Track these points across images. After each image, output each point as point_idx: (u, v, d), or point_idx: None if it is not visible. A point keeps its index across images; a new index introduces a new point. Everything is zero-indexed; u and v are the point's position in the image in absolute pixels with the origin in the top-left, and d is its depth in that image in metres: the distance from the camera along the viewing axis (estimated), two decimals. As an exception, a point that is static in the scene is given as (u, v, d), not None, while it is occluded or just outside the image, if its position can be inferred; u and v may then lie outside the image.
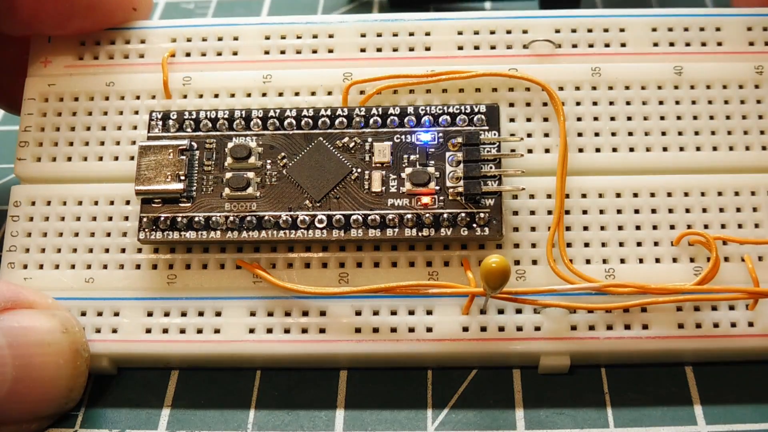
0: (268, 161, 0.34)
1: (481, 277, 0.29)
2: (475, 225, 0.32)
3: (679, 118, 0.35)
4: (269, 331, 0.33)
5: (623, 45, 0.36)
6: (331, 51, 0.37)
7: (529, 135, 0.35)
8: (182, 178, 0.33)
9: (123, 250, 0.34)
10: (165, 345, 0.33)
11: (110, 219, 0.35)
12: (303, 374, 0.34)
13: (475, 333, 0.32)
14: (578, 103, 0.35)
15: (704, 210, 0.34)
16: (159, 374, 0.34)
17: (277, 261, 0.34)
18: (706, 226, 0.34)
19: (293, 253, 0.34)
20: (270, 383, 0.34)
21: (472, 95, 0.36)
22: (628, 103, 0.35)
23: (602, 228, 0.34)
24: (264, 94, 0.36)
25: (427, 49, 0.36)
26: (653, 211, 0.34)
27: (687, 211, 0.34)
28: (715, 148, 0.35)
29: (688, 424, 0.32)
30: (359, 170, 0.33)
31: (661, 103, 0.35)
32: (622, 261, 0.33)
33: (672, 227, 0.34)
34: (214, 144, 0.34)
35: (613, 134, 0.35)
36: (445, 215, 0.32)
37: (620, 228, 0.34)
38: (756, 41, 0.36)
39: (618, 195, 0.34)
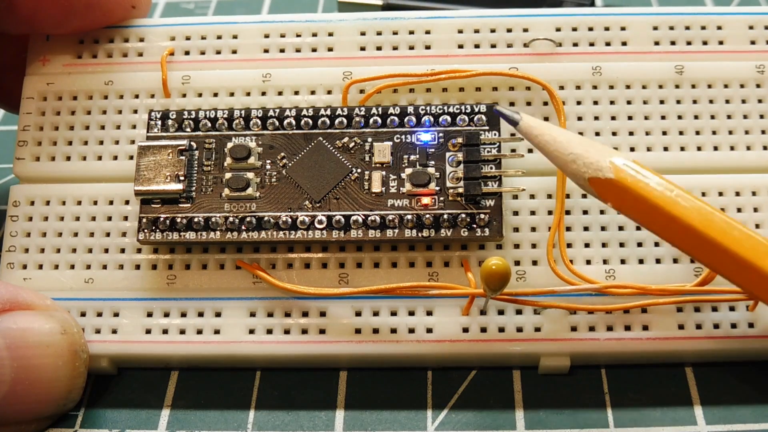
0: (268, 161, 0.34)
1: (481, 279, 0.29)
2: (475, 226, 0.32)
3: (680, 117, 0.35)
4: (269, 331, 0.33)
5: (624, 44, 0.36)
6: (330, 49, 0.37)
7: (529, 134, 0.35)
8: (181, 178, 0.33)
9: (122, 251, 0.34)
10: (165, 346, 0.33)
11: (109, 219, 0.35)
12: (303, 374, 0.34)
13: (475, 334, 0.32)
14: (579, 103, 0.35)
15: (705, 210, 0.34)
16: (159, 374, 0.34)
17: (276, 261, 0.34)
18: (706, 227, 0.34)
19: (293, 254, 0.34)
20: (270, 383, 0.34)
21: (473, 94, 0.35)
22: (629, 103, 0.35)
23: (603, 228, 0.34)
24: (263, 93, 0.36)
25: (428, 47, 0.36)
26: (654, 211, 0.34)
27: (688, 211, 0.34)
28: (716, 148, 0.34)
29: (688, 424, 0.32)
30: (359, 170, 0.33)
31: (662, 102, 0.35)
32: (623, 262, 0.33)
33: (673, 227, 0.34)
34: (214, 144, 0.34)
35: (614, 134, 0.35)
36: (445, 216, 0.32)
37: (621, 228, 0.33)
38: (757, 40, 0.36)
39: (618, 195, 0.34)
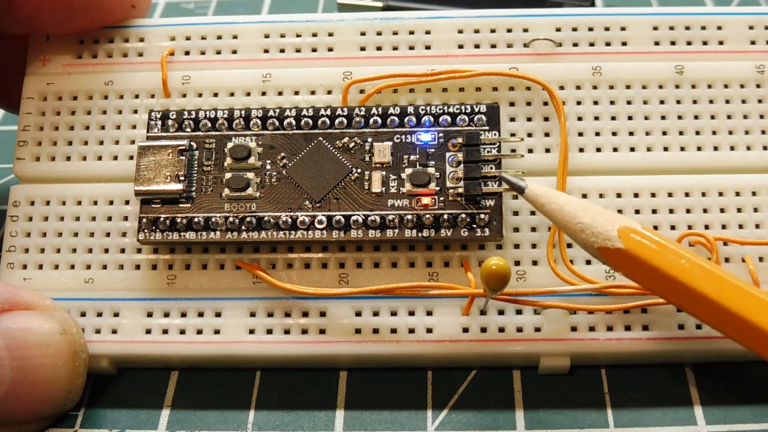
0: (268, 161, 0.34)
1: (481, 279, 0.29)
2: (475, 226, 0.32)
3: (680, 117, 0.35)
4: (269, 331, 0.33)
5: (624, 44, 0.36)
6: (330, 49, 0.37)
7: (529, 135, 0.35)
8: (181, 178, 0.33)
9: (122, 251, 0.34)
10: (165, 346, 0.33)
11: (109, 219, 0.35)
12: (303, 374, 0.34)
13: (475, 334, 0.32)
14: (579, 103, 0.35)
15: (705, 210, 0.34)
16: (159, 374, 0.34)
17: (276, 261, 0.34)
18: (706, 227, 0.34)
19: (293, 254, 0.34)
20: (270, 383, 0.34)
21: (473, 94, 0.35)
22: (629, 103, 0.35)
23: (603, 228, 0.34)
24: (263, 93, 0.36)
25: (428, 47, 0.36)
26: (654, 211, 0.34)
27: (688, 211, 0.34)
28: (716, 148, 0.34)
29: (688, 424, 0.32)
30: (359, 170, 0.33)
31: (662, 102, 0.35)
32: (623, 262, 0.33)
33: (673, 227, 0.34)
34: (214, 144, 0.34)
35: (614, 134, 0.35)
36: (445, 216, 0.32)
37: (621, 228, 0.33)
38: (757, 40, 0.36)
39: (619, 195, 0.34)
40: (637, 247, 0.29)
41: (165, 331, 0.33)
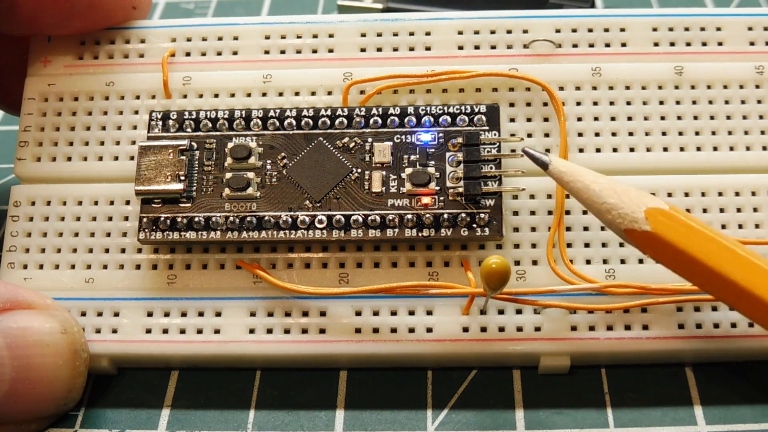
0: (268, 161, 0.34)
1: (481, 278, 0.29)
2: (475, 225, 0.32)
3: (679, 118, 0.35)
4: (269, 331, 0.33)
5: (624, 45, 0.36)
6: (331, 51, 0.37)
7: (529, 135, 0.35)
8: (182, 178, 0.33)
9: (123, 250, 0.34)
10: (165, 345, 0.33)
11: (110, 219, 0.35)
12: (303, 374, 0.34)
13: (475, 333, 0.32)
14: (578, 103, 0.35)
15: (705, 210, 0.34)
16: (159, 374, 0.34)
17: (277, 261, 0.34)
18: (706, 227, 0.34)
19: (293, 254, 0.34)
20: (270, 383, 0.34)
21: (473, 95, 0.35)
22: (628, 103, 0.35)
23: (602, 228, 0.33)
24: (264, 94, 0.36)
25: (428, 48, 0.36)
26: (654, 211, 0.34)
27: (687, 211, 0.34)
28: (715, 148, 0.35)
29: (688, 424, 0.32)
30: (359, 170, 0.33)
31: (661, 103, 0.35)
32: (623, 261, 0.33)
33: (672, 227, 0.34)
34: (214, 144, 0.34)
35: (614, 134, 0.35)
36: (445, 215, 0.32)
37: (620, 228, 0.33)
38: (757, 41, 0.36)
39: (618, 195, 0.34)
40: (664, 230, 0.28)
41: (165, 331, 0.33)
